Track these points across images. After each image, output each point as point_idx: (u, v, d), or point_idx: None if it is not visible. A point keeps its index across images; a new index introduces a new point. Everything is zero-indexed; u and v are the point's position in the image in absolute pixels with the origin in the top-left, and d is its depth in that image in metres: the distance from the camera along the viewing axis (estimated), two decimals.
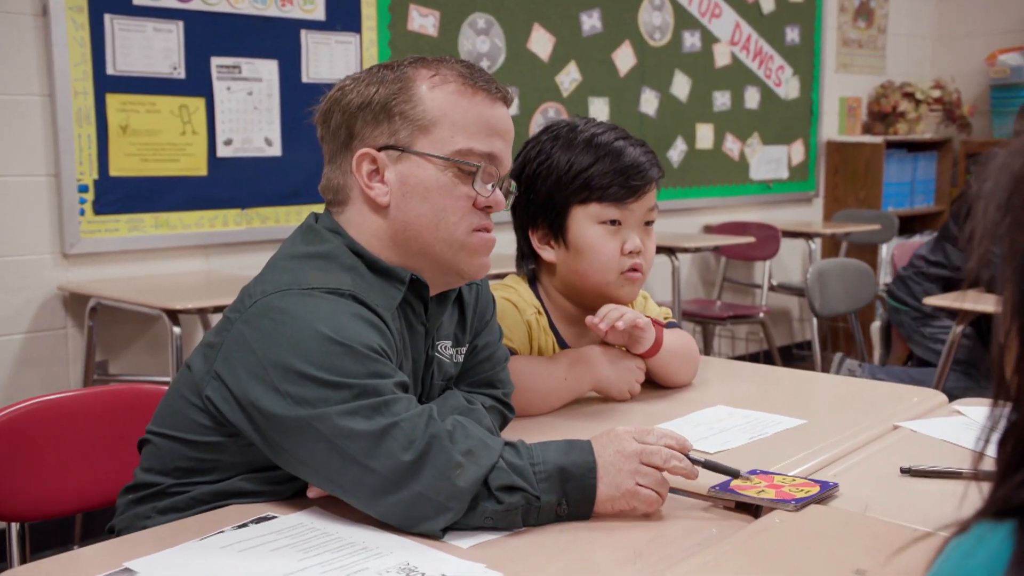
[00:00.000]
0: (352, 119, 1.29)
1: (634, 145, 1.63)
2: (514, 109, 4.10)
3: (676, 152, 4.86)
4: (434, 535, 1.11)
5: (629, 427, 1.21)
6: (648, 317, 1.67)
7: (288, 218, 3.42)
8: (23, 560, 1.56)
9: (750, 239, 4.50)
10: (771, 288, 5.16)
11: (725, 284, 5.16)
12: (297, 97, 3.43)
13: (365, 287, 1.24)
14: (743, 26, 5.11)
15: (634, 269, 1.63)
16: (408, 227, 1.28)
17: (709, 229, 5.06)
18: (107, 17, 2.99)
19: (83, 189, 2.99)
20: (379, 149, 1.27)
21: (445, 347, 1.40)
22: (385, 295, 1.27)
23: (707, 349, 4.88)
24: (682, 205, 4.91)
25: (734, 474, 1.21)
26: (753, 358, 5.19)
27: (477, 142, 1.27)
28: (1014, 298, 0.62)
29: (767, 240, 4.80)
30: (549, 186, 1.62)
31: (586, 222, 1.61)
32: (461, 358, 1.44)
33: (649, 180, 1.62)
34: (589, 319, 1.60)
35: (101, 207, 3.02)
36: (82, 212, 2.99)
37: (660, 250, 4.07)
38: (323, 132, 1.34)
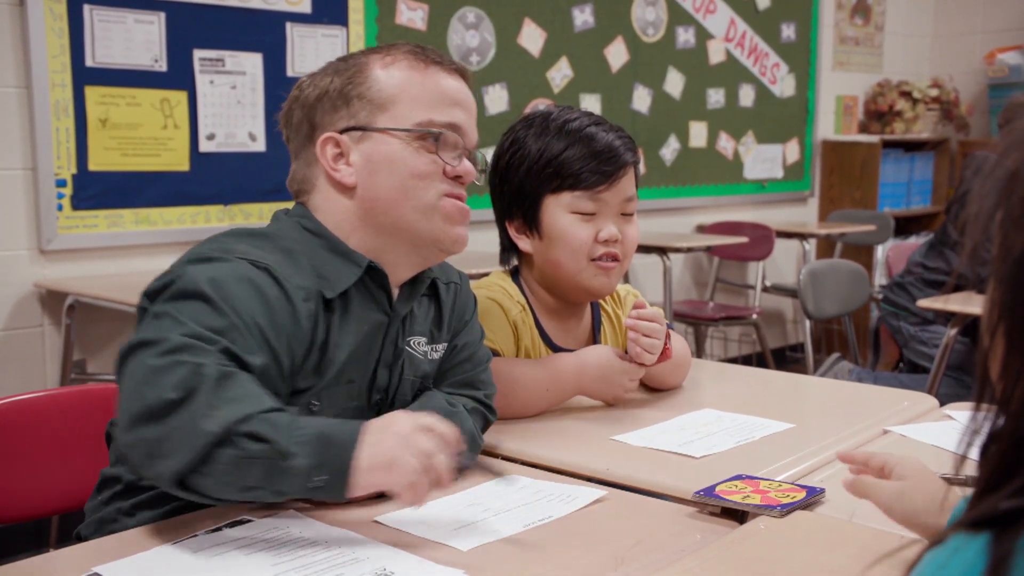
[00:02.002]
0: (312, 111, 1.32)
1: (608, 130, 1.62)
2: (504, 105, 4.11)
3: (669, 150, 4.86)
4: (165, 479, 1.08)
5: (415, 412, 1.15)
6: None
7: (272, 214, 3.41)
8: None
9: (743, 239, 4.51)
10: (764, 289, 5.17)
11: (718, 285, 5.17)
12: (282, 91, 3.38)
13: (293, 268, 1.25)
14: (738, 22, 5.11)
15: (610, 257, 1.62)
16: (377, 203, 1.30)
17: (702, 229, 5.07)
18: (86, 8, 2.98)
19: (61, 184, 2.97)
20: (341, 132, 1.30)
21: (419, 343, 1.40)
22: (336, 276, 1.27)
23: (699, 351, 4.89)
24: (675, 204, 4.92)
25: (499, 473, 1.18)
26: (746, 360, 5.20)
27: (436, 113, 1.31)
28: (1002, 297, 0.61)
29: (761, 240, 4.81)
30: (521, 175, 1.62)
31: (558, 211, 1.61)
32: (437, 356, 1.44)
33: (622, 164, 1.61)
34: (629, 322, 1.59)
35: (79, 202, 3.01)
36: (60, 207, 2.98)
37: (651, 250, 4.08)
38: (287, 132, 1.37)
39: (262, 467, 1.06)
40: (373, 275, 1.32)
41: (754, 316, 4.63)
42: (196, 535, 1.13)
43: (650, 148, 4.76)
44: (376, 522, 1.17)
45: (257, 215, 3.39)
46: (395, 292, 1.36)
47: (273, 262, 1.24)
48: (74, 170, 3.00)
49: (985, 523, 0.58)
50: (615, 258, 1.63)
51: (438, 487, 1.08)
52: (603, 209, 1.61)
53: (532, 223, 1.64)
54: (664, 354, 1.62)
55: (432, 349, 1.42)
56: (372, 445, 1.08)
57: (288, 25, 3.43)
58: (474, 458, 1.15)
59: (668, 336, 1.63)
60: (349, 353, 1.29)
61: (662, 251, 4.09)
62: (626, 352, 1.62)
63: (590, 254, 1.61)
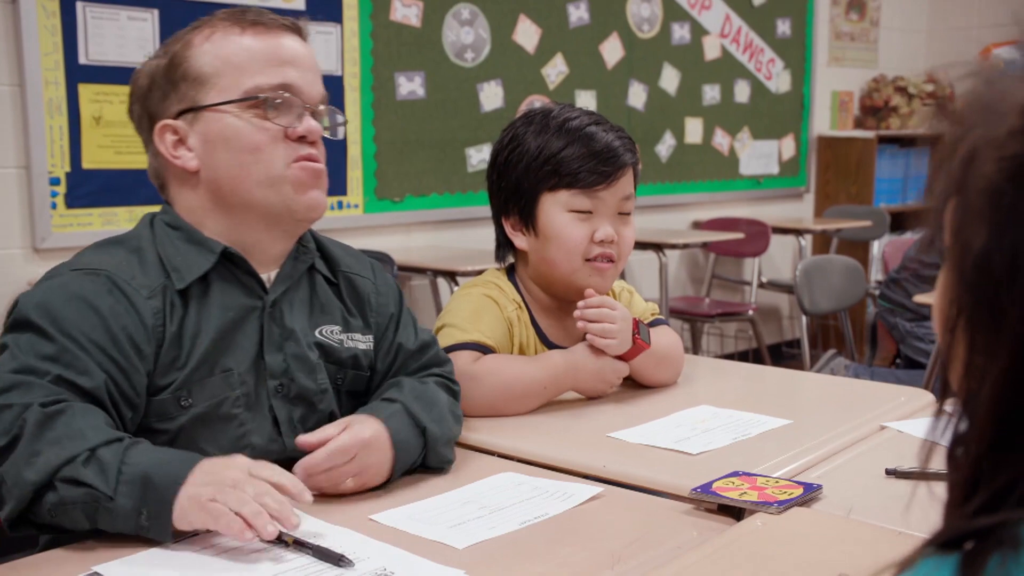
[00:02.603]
0: (146, 101, 1.31)
1: (607, 130, 1.62)
2: (499, 102, 4.10)
3: (664, 146, 4.86)
4: (4, 522, 1.09)
5: (251, 460, 1.11)
6: (634, 319, 1.65)
7: None
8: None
9: (739, 235, 4.51)
10: (761, 285, 5.18)
11: (714, 281, 5.17)
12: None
13: (138, 267, 1.24)
14: (733, 18, 5.11)
15: (605, 258, 1.62)
16: (222, 182, 1.28)
17: (698, 225, 5.07)
18: (79, 5, 2.98)
19: (55, 182, 2.97)
20: (176, 117, 1.28)
21: (332, 331, 1.38)
22: (187, 266, 1.26)
23: (695, 347, 4.90)
24: (670, 200, 4.92)
25: (337, 559, 1.04)
26: (742, 356, 5.20)
27: (263, 77, 1.27)
28: (963, 294, 0.57)
29: (756, 236, 4.81)
30: (520, 172, 1.62)
31: (555, 209, 1.61)
32: (362, 346, 1.40)
33: (621, 165, 1.61)
34: (577, 312, 1.60)
35: (73, 200, 3.00)
36: (54, 205, 2.97)
37: (647, 246, 4.09)
38: (135, 126, 1.35)
39: (87, 510, 1.07)
40: (233, 259, 1.29)
41: (750, 312, 4.64)
42: (197, 533, 1.12)
43: (646, 144, 4.76)
44: (371, 520, 1.17)
45: None
46: (272, 274, 1.33)
47: (114, 266, 1.23)
48: (68, 168, 2.99)
49: (955, 543, 0.55)
50: (610, 259, 1.63)
51: (275, 526, 1.03)
52: (600, 208, 1.61)
53: (528, 220, 1.64)
54: (637, 346, 1.62)
55: (348, 338, 1.39)
56: (195, 486, 1.06)
57: None
58: (320, 551, 1.06)
59: (636, 327, 1.62)
60: (212, 341, 1.26)
61: (658, 247, 4.09)
62: None
63: (585, 254, 1.62)
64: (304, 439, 1.23)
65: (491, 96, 4.08)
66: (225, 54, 1.27)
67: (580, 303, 1.60)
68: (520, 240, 1.67)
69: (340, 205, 3.63)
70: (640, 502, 1.25)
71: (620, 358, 1.63)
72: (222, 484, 1.06)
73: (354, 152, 3.66)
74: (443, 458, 1.33)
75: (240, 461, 1.11)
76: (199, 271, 1.26)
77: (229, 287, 1.29)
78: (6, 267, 2.94)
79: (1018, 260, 0.54)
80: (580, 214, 1.61)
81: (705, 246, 4.88)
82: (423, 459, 1.31)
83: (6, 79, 2.90)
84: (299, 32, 1.33)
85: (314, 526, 1.14)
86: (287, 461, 1.22)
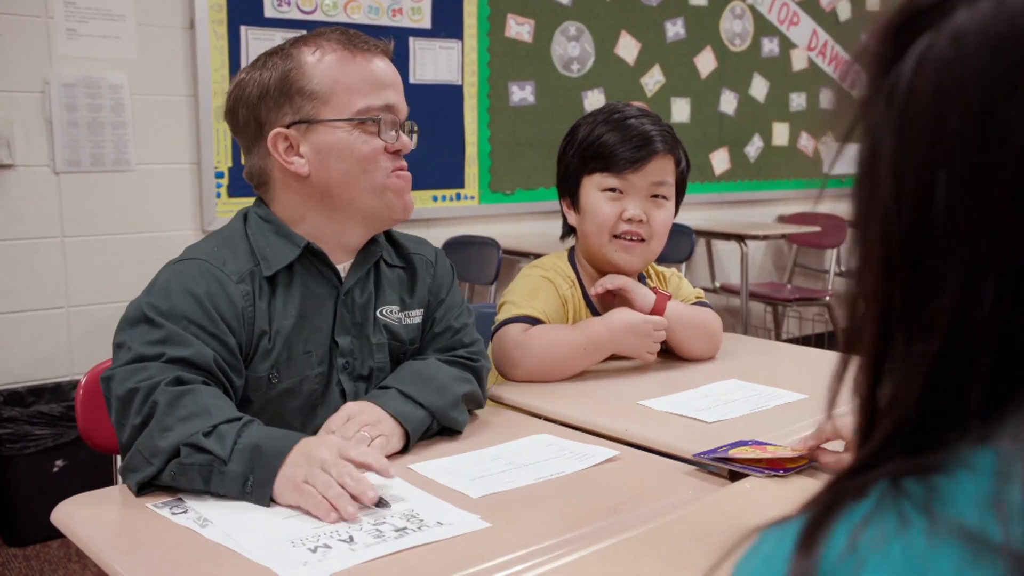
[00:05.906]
0: (256, 109, 1.28)
1: (648, 123, 1.58)
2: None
3: (753, 148, 4.70)
4: (132, 488, 1.08)
5: (343, 441, 1.09)
6: (649, 285, 1.64)
7: None
8: None
9: (816, 228, 4.33)
10: (838, 273, 4.95)
11: (796, 269, 4.98)
12: (405, 96, 3.44)
13: (229, 254, 1.25)
14: (820, 33, 4.89)
15: (633, 236, 1.59)
16: (333, 187, 1.27)
17: (783, 219, 4.89)
18: (243, 28, 3.08)
19: (219, 176, 3.09)
20: (288, 126, 1.26)
21: (392, 311, 1.37)
22: (275, 256, 1.26)
23: (777, 328, 4.73)
24: (758, 196, 4.75)
25: (385, 505, 1.03)
26: (819, 338, 5.00)
27: (372, 98, 1.26)
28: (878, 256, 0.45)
29: (834, 229, 4.60)
30: (570, 157, 1.63)
31: (592, 189, 1.61)
32: (414, 321, 1.39)
33: (653, 152, 1.57)
34: (593, 293, 1.62)
35: (234, 191, 3.12)
36: (218, 195, 3.10)
37: (731, 237, 3.96)
38: (234, 128, 1.33)
39: (203, 473, 1.05)
40: (315, 253, 1.29)
41: (827, 298, 4.44)
42: None
43: (735, 146, 4.62)
44: (410, 469, 1.17)
45: None
46: (346, 264, 1.33)
47: (207, 254, 1.24)
48: (230, 164, 3.11)
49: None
50: (639, 237, 1.59)
51: (356, 504, 1.00)
52: (630, 190, 1.58)
53: (575, 199, 1.64)
54: (660, 296, 1.61)
55: (406, 316, 1.38)
56: (291, 466, 1.04)
57: (411, 39, 3.46)
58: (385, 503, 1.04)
59: (656, 290, 1.63)
60: (295, 323, 1.26)
61: (740, 238, 3.96)
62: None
63: (613, 230, 1.59)
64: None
65: (594, 102, 4.02)
66: (339, 75, 1.25)
67: (591, 291, 1.62)
68: (571, 218, 1.67)
69: (458, 197, 3.65)
70: (650, 463, 1.20)
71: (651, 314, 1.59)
72: (313, 465, 1.03)
73: (471, 151, 3.68)
74: (454, 421, 1.29)
75: (332, 441, 1.07)
76: (285, 261, 1.26)
77: (311, 277, 1.29)
78: (180, 245, 3.04)
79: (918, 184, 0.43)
80: (611, 193, 1.59)
81: (784, 237, 4.70)
82: (437, 425, 1.28)
83: (183, 90, 3.03)
84: (389, 55, 1.33)
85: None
86: None
